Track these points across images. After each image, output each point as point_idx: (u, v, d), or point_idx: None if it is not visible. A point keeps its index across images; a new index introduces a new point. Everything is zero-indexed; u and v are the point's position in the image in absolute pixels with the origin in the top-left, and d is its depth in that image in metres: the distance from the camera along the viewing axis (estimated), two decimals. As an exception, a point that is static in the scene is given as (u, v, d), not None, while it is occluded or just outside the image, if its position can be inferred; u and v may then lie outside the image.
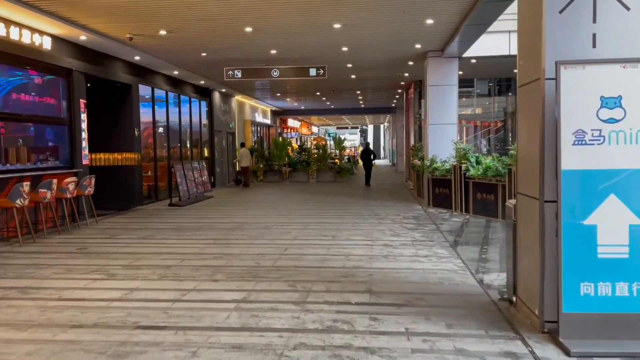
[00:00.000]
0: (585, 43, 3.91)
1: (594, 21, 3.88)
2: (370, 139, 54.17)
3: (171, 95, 15.63)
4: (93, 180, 10.15)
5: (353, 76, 16.95)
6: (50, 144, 10.59)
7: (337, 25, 9.77)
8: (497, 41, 12.17)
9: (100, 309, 4.84)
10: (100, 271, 6.32)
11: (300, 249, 7.48)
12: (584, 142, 3.79)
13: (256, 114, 26.33)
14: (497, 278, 5.83)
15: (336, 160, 23.62)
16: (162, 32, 10.04)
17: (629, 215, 3.75)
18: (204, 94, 18.37)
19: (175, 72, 14.90)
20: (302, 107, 30.65)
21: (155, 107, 14.46)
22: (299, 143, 36.14)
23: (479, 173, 10.76)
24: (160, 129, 15.06)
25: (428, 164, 12.43)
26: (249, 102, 24.52)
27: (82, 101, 10.77)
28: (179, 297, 5.20)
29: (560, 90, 3.79)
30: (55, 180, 8.89)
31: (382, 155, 49.99)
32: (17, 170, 8.91)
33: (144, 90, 13.77)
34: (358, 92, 22.67)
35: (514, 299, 4.77)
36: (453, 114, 12.81)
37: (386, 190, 16.94)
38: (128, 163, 12.82)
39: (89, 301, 5.11)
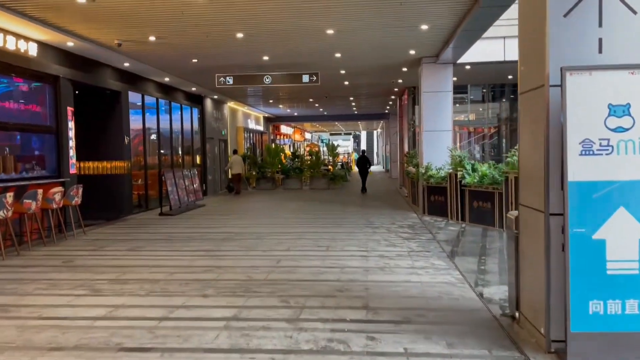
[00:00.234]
0: (591, 48, 3.74)
1: (600, 25, 3.70)
2: (363, 146, 54.06)
3: (162, 102, 15.39)
4: (80, 190, 9.88)
5: (346, 82, 16.79)
6: (36, 152, 10.31)
7: (330, 31, 9.60)
8: (492, 47, 12.06)
9: (82, 329, 4.58)
10: (85, 286, 6.06)
11: (293, 261, 7.26)
12: (591, 152, 3.61)
13: (249, 121, 26.11)
14: (498, 291, 5.63)
15: (329, 167, 23.42)
16: (152, 38, 9.82)
17: (639, 229, 3.56)
18: (196, 100, 18.14)
19: (166, 79, 14.67)
20: (295, 114, 30.48)
21: (146, 114, 14.22)
22: (292, 150, 35.93)
23: (475, 181, 10.60)
24: (151, 137, 14.80)
25: (423, 171, 12.26)
26: (241, 108, 24.31)
27: (70, 109, 10.51)
28: (167, 315, 4.95)
29: (566, 97, 3.61)
30: (40, 191, 8.62)
31: (375, 161, 49.86)
32: (1, 181, 8.63)
33: (134, 98, 13.53)
34: (351, 98, 22.52)
35: (517, 314, 4.57)
36: (448, 121, 12.66)
37: (380, 198, 16.74)
38: (117, 171, 12.55)
39: (71, 320, 4.85)
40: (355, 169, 34.58)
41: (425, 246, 8.25)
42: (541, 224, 3.92)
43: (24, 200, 8.24)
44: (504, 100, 19.99)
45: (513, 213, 4.70)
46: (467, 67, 13.46)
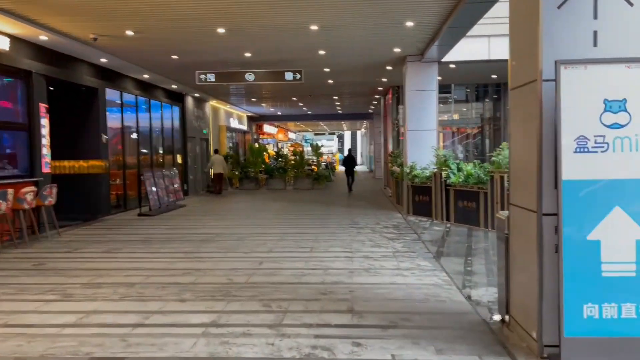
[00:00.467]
0: (585, 41, 3.59)
1: (595, 17, 3.56)
2: (347, 146, 53.93)
3: (141, 100, 15.02)
4: (54, 190, 9.51)
5: (330, 81, 16.59)
6: (7, 150, 9.91)
7: (314, 27, 9.39)
8: (477, 45, 11.97)
9: (50, 337, 4.30)
10: (55, 291, 5.75)
11: (276, 263, 7.03)
12: (586, 149, 3.46)
13: (231, 120, 25.76)
14: (486, 293, 5.48)
15: (313, 167, 23.21)
16: (129, 33, 9.50)
17: (636, 229, 3.43)
18: (177, 98, 17.78)
19: (145, 76, 14.31)
20: (279, 113, 30.19)
21: (124, 112, 13.84)
22: (275, 149, 35.62)
23: (460, 180, 10.48)
24: (130, 135, 14.42)
25: (408, 171, 12.12)
26: (223, 107, 23.96)
27: (43, 105, 10.12)
28: (141, 321, 4.69)
29: (560, 92, 3.46)
30: (11, 190, 8.26)
31: (359, 161, 49.75)
32: (-31, 180, 8.25)
33: (112, 95, 13.15)
34: (335, 97, 22.34)
35: (507, 318, 4.42)
36: (433, 120, 12.54)
37: (365, 198, 16.59)
38: (94, 171, 12.17)
39: (39, 327, 4.56)
40: (339, 169, 34.48)
41: (411, 247, 8.09)
42: (533, 225, 3.77)
43: (-6, 201, 7.87)
44: (487, 100, 20.00)
45: (503, 213, 4.54)
46: (452, 65, 13.36)
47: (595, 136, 3.45)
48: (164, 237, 9.30)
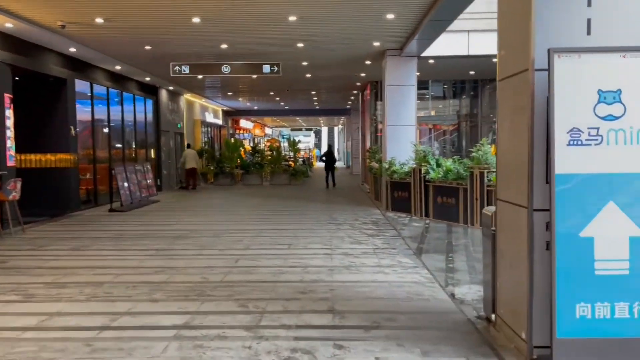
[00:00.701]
0: (578, 29, 3.44)
1: (589, 4, 3.41)
2: (324, 142, 53.75)
3: (113, 92, 14.52)
4: (19, 184, 9.05)
5: (308, 75, 16.34)
6: (-32, 143, 9.40)
7: (292, 18, 9.13)
8: (456, 40, 11.88)
9: (7, 342, 3.98)
10: (17, 291, 5.40)
11: (253, 260, 6.78)
12: (580, 142, 3.31)
13: (207, 114, 25.28)
14: (469, 291, 5.34)
15: (290, 163, 22.94)
16: (99, 20, 9.08)
17: (630, 225, 3.29)
18: (150, 91, 17.28)
19: (117, 67, 13.82)
20: (255, 108, 29.78)
21: (95, 104, 13.35)
22: (252, 145, 35.20)
23: (440, 176, 10.38)
24: (101, 128, 13.93)
25: (386, 166, 11.98)
26: (199, 101, 23.47)
27: (8, 96, 9.62)
28: (108, 324, 4.39)
29: (553, 82, 3.30)
30: (-29, 185, 7.80)
31: (336, 157, 49.59)
32: None
33: (82, 86, 12.65)
34: (313, 92, 22.10)
35: (493, 317, 4.27)
36: (412, 115, 12.43)
37: (342, 194, 16.41)
38: (63, 165, 11.69)
39: (-4, 331, 4.24)
40: (318, 164, 34.27)
41: (391, 243, 7.93)
42: (523, 221, 3.61)
43: (-48, 195, 7.42)
44: (464, 97, 20.03)
45: (490, 209, 4.39)
46: (431, 61, 13.27)
47: (589, 128, 3.31)
48: (136, 234, 8.94)
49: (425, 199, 10.72)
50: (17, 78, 10.33)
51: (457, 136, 20.69)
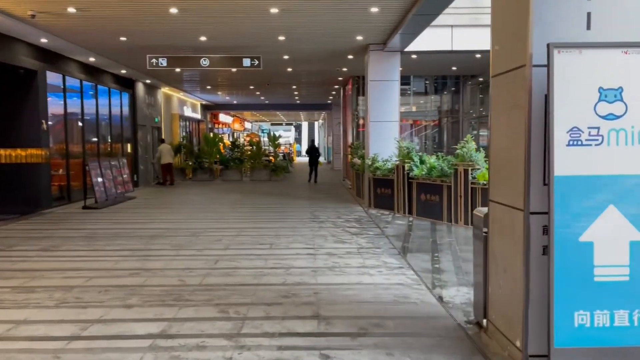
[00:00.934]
0: (578, 24, 3.27)
1: (590, -2, 3.24)
2: (305, 136, 53.45)
3: (87, 85, 14.02)
4: (-14, 181, 8.63)
5: (289, 69, 16.05)
6: None
7: (274, 10, 8.85)
8: (440, 35, 11.72)
9: (-34, 356, 3.68)
10: (-20, 297, 5.07)
11: (233, 261, 6.53)
12: (579, 142, 3.15)
13: (185, 108, 24.77)
14: (457, 294, 5.19)
15: (271, 158, 22.64)
16: (71, 10, 8.67)
17: (631, 230, 3.16)
18: (126, 84, 16.78)
19: (92, 59, 13.33)
20: (235, 102, 29.33)
21: (68, 97, 12.86)
22: (231, 139, 34.73)
23: (423, 173, 10.25)
24: (74, 122, 13.44)
25: (369, 163, 11.81)
26: (176, 95, 22.96)
27: (-26, 88, 9.16)
28: (78, 333, 4.12)
29: (553, 79, 3.13)
30: None
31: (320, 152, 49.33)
32: None
33: (54, 79, 12.16)
34: (294, 87, 21.80)
35: (485, 322, 4.12)
36: (395, 111, 12.27)
37: (324, 190, 16.20)
38: (33, 160, 11.22)
39: (-45, 343, 3.92)
40: (297, 160, 34.00)
41: (375, 242, 7.76)
42: (518, 224, 3.45)
43: None
44: (445, 92, 19.99)
45: (481, 210, 4.23)
46: (414, 56, 13.12)
47: (589, 128, 3.15)
48: (110, 233, 8.60)
49: (409, 196, 10.58)
50: (-16, 69, 9.86)
51: (438, 132, 20.65)
